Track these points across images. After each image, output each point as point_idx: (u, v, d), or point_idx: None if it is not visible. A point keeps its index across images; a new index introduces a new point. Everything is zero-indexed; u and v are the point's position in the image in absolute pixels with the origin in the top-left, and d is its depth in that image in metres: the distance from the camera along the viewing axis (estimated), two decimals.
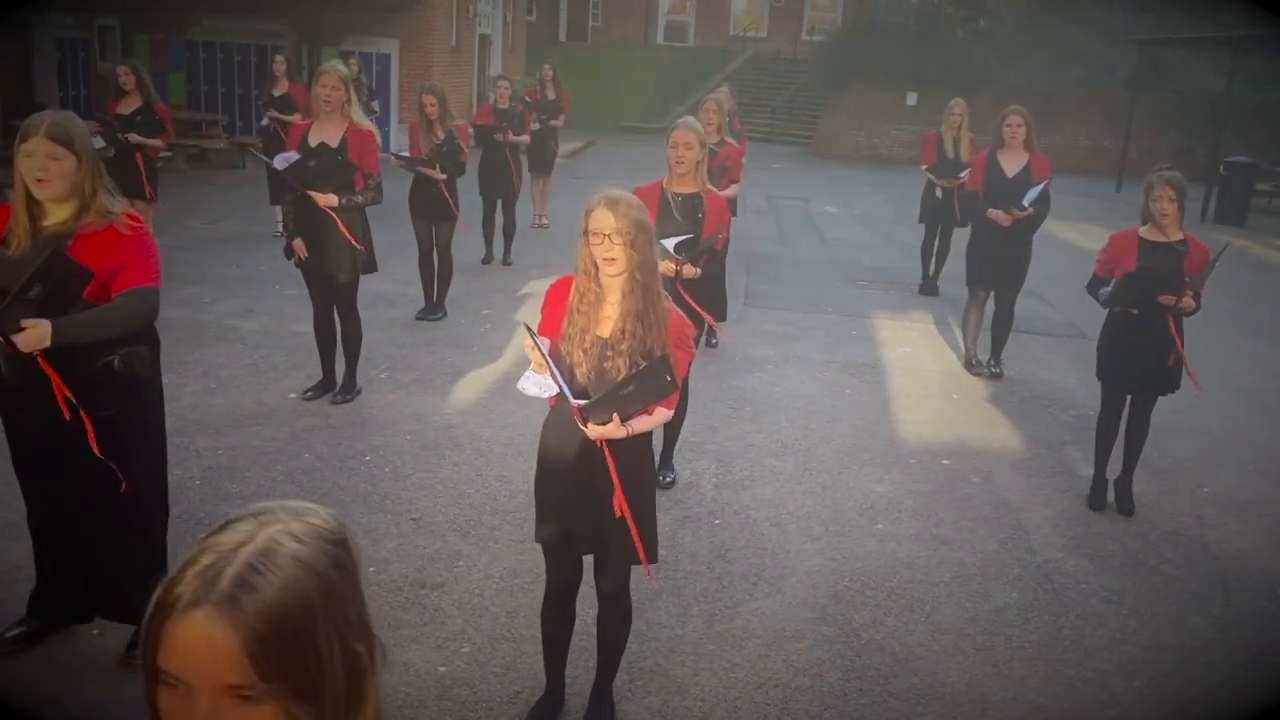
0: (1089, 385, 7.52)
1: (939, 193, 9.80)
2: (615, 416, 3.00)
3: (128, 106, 7.91)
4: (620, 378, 3.08)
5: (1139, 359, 5.16)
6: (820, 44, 28.77)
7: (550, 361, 2.97)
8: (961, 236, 10.04)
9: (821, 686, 3.76)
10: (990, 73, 24.12)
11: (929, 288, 10.22)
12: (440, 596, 4.15)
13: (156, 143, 7.99)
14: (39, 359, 3.15)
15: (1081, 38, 24.63)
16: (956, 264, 10.11)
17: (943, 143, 9.72)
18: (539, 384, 3.19)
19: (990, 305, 7.57)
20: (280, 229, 10.67)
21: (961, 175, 9.69)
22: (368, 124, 5.93)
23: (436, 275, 8.06)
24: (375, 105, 12.23)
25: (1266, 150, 20.35)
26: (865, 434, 6.25)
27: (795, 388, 7.04)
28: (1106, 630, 4.26)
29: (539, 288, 9.48)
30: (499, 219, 10.17)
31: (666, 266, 4.93)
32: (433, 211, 7.81)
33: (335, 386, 6.24)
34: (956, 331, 8.75)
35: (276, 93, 10.22)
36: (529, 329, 2.98)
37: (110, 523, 3.53)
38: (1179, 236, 5.07)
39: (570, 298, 3.22)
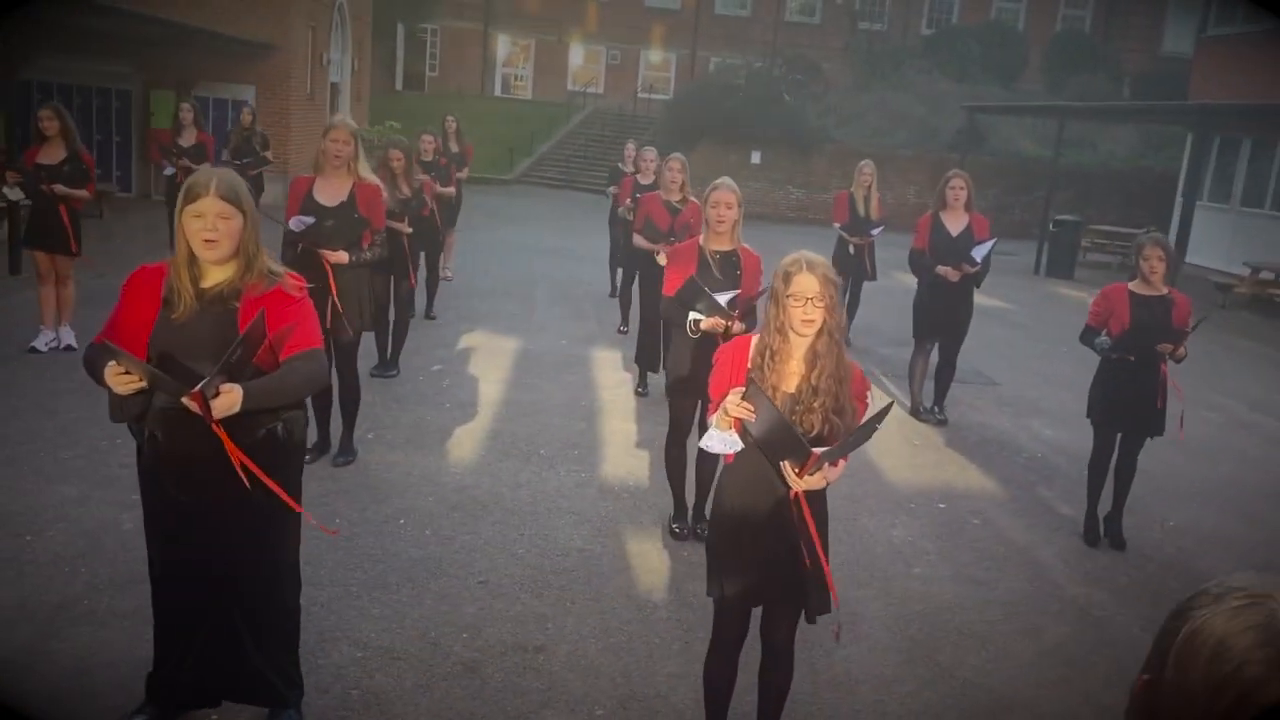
0: (1025, 429, 8.10)
1: (851, 249, 10.29)
2: (825, 467, 3.11)
3: (51, 155, 7.39)
4: (814, 432, 3.19)
5: (1132, 403, 5.63)
6: (663, 102, 29.60)
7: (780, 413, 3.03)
8: (870, 289, 10.64)
9: None
10: (825, 134, 25.43)
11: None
12: (548, 659, 4.09)
13: (83, 194, 7.51)
14: (216, 427, 2.99)
15: (908, 104, 26.29)
16: (864, 316, 10.70)
17: (854, 202, 10.25)
18: (724, 441, 3.25)
19: (934, 356, 8.03)
20: None
21: (873, 233, 10.26)
22: (374, 178, 5.82)
23: (391, 332, 7.88)
24: (269, 155, 11.82)
25: (1076, 208, 22.22)
26: (857, 480, 6.50)
27: None
28: None
29: (475, 340, 9.43)
30: (421, 273, 10.01)
31: (715, 322, 5.07)
32: (394, 267, 7.65)
33: (330, 448, 6.02)
34: (885, 380, 9.21)
35: (185, 142, 9.78)
36: (753, 383, 3.04)
37: (251, 601, 3.35)
38: (1166, 291, 5.57)
39: (752, 355, 3.30)
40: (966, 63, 28.05)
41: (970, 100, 23.98)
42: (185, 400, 2.88)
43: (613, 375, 8.64)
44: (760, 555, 3.31)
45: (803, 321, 3.16)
